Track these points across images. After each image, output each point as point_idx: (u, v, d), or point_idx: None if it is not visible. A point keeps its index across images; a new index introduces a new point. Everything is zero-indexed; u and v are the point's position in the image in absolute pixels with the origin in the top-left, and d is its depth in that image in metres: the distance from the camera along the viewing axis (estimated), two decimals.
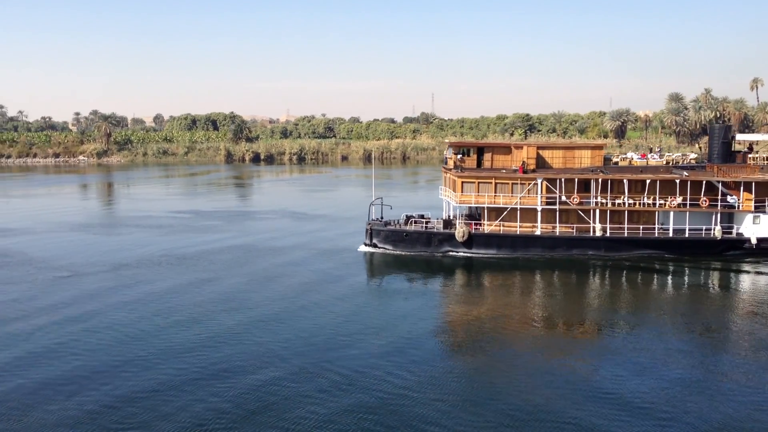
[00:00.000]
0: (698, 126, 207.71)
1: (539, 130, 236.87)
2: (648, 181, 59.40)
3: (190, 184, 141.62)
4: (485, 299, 47.50)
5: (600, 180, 59.55)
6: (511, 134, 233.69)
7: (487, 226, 60.25)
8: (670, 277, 53.98)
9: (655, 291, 50.22)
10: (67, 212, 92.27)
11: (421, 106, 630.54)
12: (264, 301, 46.55)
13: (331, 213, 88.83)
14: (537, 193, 59.49)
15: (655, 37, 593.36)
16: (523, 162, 60.70)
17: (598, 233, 59.36)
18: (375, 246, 61.31)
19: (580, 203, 59.56)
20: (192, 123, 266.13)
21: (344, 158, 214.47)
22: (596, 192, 59.66)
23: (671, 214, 59.40)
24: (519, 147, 62.10)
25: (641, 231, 59.55)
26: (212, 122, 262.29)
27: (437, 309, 45.91)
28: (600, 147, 63.29)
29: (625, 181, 59.36)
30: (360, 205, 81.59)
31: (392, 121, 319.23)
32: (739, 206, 59.55)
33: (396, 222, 62.27)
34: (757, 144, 78.65)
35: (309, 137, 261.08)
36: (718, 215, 59.49)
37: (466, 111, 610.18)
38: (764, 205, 59.08)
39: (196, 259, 59.81)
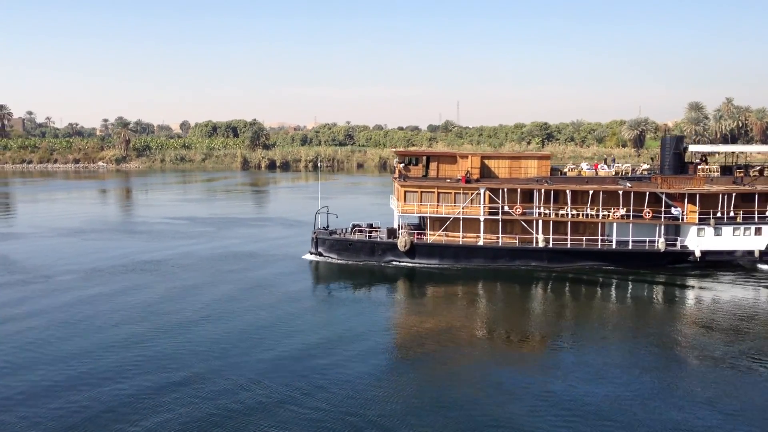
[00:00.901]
0: (719, 135, 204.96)
1: (557, 139, 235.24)
2: (591, 192, 58.99)
3: (195, 190, 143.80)
4: (426, 310, 47.22)
5: (543, 190, 59.29)
6: (528, 143, 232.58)
7: (430, 236, 60.28)
8: (611, 290, 53.17)
9: (596, 303, 49.46)
10: (60, 217, 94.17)
11: (447, 114, 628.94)
12: (190, 306, 47.11)
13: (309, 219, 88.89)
14: (480, 203, 59.37)
15: (681, 45, 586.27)
16: (468, 171, 60.64)
17: (541, 244, 59.12)
18: (320, 255, 61.73)
19: (523, 214, 59.36)
20: (212, 130, 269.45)
21: (360, 166, 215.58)
22: (539, 202, 59.36)
23: (614, 225, 58.89)
24: (464, 156, 62.14)
25: (584, 242, 59.10)
26: (232, 129, 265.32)
27: (376, 320, 44.94)
28: (547, 157, 63.04)
29: (568, 191, 59.04)
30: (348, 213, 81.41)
31: (416, 129, 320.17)
32: (683, 218, 58.82)
33: (343, 231, 62.61)
34: (717, 155, 77.27)
35: (328, 144, 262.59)
36: (662, 227, 58.86)
37: (492, 119, 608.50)
38: (709, 218, 58.25)
39: (149, 265, 60.83)
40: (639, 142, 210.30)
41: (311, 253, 62.45)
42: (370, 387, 32.37)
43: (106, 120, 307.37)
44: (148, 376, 33.74)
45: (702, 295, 51.75)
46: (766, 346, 38.86)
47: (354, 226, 63.01)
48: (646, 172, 64.25)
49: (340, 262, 61.04)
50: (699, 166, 62.05)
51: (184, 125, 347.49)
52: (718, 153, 71.04)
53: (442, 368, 35.21)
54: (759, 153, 78.78)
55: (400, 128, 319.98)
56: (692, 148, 65.07)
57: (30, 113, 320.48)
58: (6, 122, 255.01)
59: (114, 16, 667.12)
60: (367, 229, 61.68)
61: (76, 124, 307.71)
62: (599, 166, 64.04)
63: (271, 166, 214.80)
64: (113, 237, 77.64)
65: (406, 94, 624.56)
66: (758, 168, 62.59)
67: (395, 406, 30.17)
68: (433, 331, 41.74)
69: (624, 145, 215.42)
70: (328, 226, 63.61)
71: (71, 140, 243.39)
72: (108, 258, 64.04)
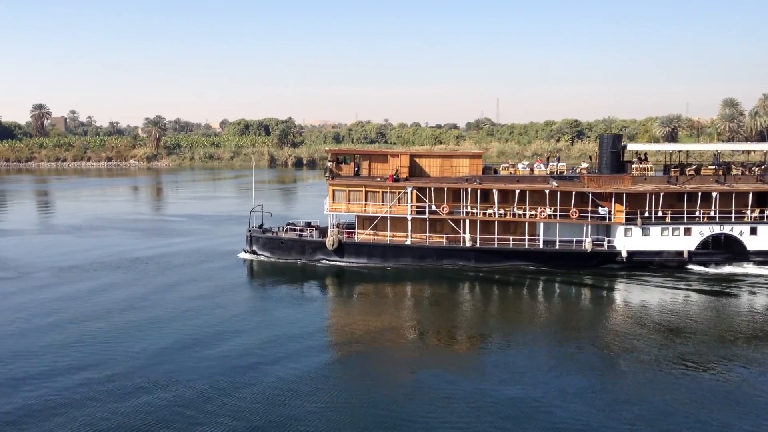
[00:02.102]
0: (754, 132, 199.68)
1: (588, 137, 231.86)
2: (518, 192, 58.59)
3: (209, 187, 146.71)
4: (352, 310, 47.66)
5: (470, 189, 59.10)
6: (557, 140, 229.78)
7: (359, 235, 60.64)
8: (537, 291, 52.52)
9: (520, 305, 48.98)
10: (54, 214, 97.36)
11: (488, 112, 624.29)
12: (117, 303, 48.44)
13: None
14: (407, 202, 59.47)
15: (719, 42, 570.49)
16: (397, 170, 60.81)
17: (468, 244, 58.96)
18: (254, 253, 62.64)
19: (450, 213, 59.27)
20: (245, 128, 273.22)
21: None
22: (466, 202, 59.20)
23: (541, 225, 58.43)
24: (395, 155, 62.23)
25: (511, 242, 58.76)
26: (265, 127, 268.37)
27: (297, 320, 44.69)
28: (478, 156, 62.70)
29: (495, 190, 58.75)
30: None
31: (454, 126, 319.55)
32: (610, 218, 58.01)
33: (276, 229, 63.44)
34: (663, 153, 75.35)
35: (360, 142, 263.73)
36: (589, 227, 58.13)
37: (532, 116, 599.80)
38: (636, 218, 57.35)
39: (134, 262, 62.58)
40: (671, 138, 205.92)
41: (245, 251, 63.33)
42: (291, 386, 32.65)
43: (148, 118, 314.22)
44: (81, 373, 34.50)
45: (624, 297, 51.05)
46: (688, 350, 38.09)
47: (288, 224, 63.65)
48: (585, 171, 63.37)
49: (272, 260, 61.84)
50: (633, 165, 60.91)
51: (224, 123, 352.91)
52: (659, 152, 69.41)
53: (364, 368, 35.27)
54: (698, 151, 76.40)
55: (438, 126, 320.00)
56: (631, 146, 63.99)
57: (73, 112, 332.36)
58: (45, 121, 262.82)
59: (163, 15, 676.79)
60: (298, 228, 62.21)
61: (116, 123, 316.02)
62: (536, 165, 63.33)
63: (299, 163, 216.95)
64: (99, 233, 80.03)
65: (448, 92, 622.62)
66: (694, 167, 61.15)
67: (317, 405, 30.51)
68: (356, 331, 41.92)
69: (656, 142, 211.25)
70: (262, 225, 64.40)
71: (105, 138, 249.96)
72: (79, 254, 66.05)
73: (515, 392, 31.92)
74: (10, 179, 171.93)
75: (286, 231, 62.72)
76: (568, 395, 31.62)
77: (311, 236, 61.59)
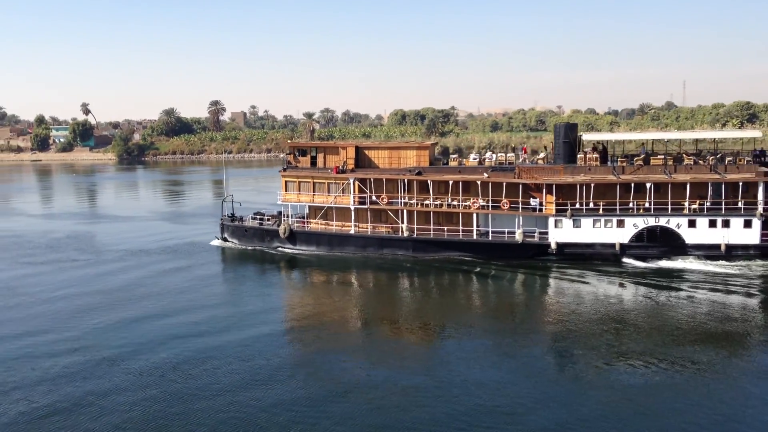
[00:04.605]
0: None
1: (762, 120, 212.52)
2: (451, 182, 58.94)
3: None
4: (296, 296, 51.86)
5: (406, 180, 60.15)
6: (723, 125, 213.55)
7: (310, 224, 63.47)
8: (471, 282, 53.41)
9: (453, 296, 50.35)
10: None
11: (677, 96, 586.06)
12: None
13: None
14: (350, 193, 61.50)
15: None
16: (345, 162, 62.86)
17: (406, 234, 60.13)
18: (225, 240, 67.19)
19: (390, 203, 60.64)
20: (402, 118, 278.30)
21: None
22: (404, 192, 60.31)
23: (475, 216, 58.51)
24: (344, 147, 64.19)
25: (446, 233, 59.30)
26: (421, 117, 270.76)
27: (247, 304, 48.00)
28: (425, 147, 63.20)
29: (430, 182, 59.45)
30: None
31: (614, 113, 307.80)
32: (542, 209, 57.03)
33: (244, 218, 67.57)
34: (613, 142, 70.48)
35: (519, 131, 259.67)
36: (520, 218, 57.46)
37: (725, 97, 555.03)
38: (566, 209, 56.04)
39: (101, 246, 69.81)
40: None
41: (217, 239, 67.92)
42: (236, 374, 34.50)
43: (325, 110, 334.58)
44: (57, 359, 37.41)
45: (549, 290, 50.76)
46: (614, 339, 38.55)
47: (255, 213, 67.50)
48: (541, 162, 62.25)
49: (240, 247, 66.00)
50: (578, 155, 59.21)
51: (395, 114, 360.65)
52: (610, 141, 65.80)
53: (304, 358, 37.39)
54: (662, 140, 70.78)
55: (592, 111, 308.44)
56: (586, 136, 61.82)
57: (253, 107, 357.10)
58: (220, 116, 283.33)
59: (347, 12, 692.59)
60: (258, 218, 65.93)
61: (290, 116, 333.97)
62: (487, 156, 63.02)
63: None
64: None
65: (630, 75, 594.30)
66: (642, 157, 58.31)
67: (263, 392, 32.20)
68: (295, 317, 45.38)
69: None
70: (233, 214, 68.61)
71: (267, 132, 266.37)
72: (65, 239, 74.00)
73: (445, 376, 33.35)
74: (182, 170, 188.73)
75: (249, 220, 66.46)
76: (498, 382, 32.72)
77: (271, 225, 64.89)
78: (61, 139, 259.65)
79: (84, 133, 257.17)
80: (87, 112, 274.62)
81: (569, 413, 29.20)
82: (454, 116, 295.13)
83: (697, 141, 70.99)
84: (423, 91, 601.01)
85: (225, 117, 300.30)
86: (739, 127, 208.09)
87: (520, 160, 64.94)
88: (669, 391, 31.11)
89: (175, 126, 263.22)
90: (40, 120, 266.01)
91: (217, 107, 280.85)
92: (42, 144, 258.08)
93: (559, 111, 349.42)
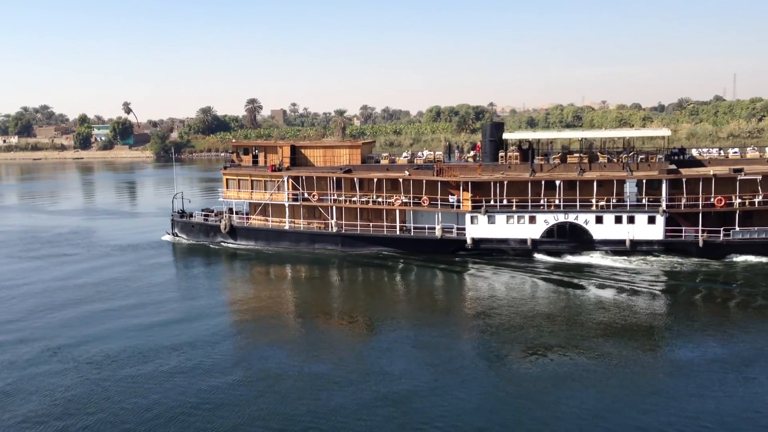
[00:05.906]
0: None
1: None
2: (375, 180, 60.59)
3: None
4: (232, 287, 54.29)
5: (335, 178, 62.01)
6: (760, 120, 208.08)
7: (250, 220, 65.84)
8: (395, 276, 55.18)
9: (379, 288, 52.35)
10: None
11: (728, 89, 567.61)
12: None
13: None
14: (285, 190, 63.65)
15: None
16: (281, 160, 65.02)
17: (334, 229, 62.02)
18: (175, 235, 70.01)
19: (320, 200, 62.59)
20: (436, 115, 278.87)
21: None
22: (333, 190, 62.19)
23: (397, 212, 60.06)
24: (281, 146, 66.31)
25: (371, 228, 60.99)
26: (456, 113, 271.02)
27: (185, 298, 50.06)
28: (357, 146, 64.91)
29: (356, 179, 61.21)
30: None
31: (661, 108, 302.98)
32: (459, 206, 58.31)
33: (191, 215, 70.22)
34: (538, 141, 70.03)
35: (557, 127, 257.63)
36: (439, 215, 58.81)
37: None
38: (481, 206, 57.20)
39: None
40: None
41: (168, 234, 70.78)
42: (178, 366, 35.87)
43: (364, 107, 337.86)
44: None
45: (466, 282, 52.29)
46: (523, 332, 39.70)
47: (203, 209, 70.13)
48: (471, 160, 63.48)
49: (188, 242, 68.73)
50: (500, 153, 60.25)
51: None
52: (529, 140, 66.08)
53: (237, 350, 38.62)
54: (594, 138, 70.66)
55: (622, 106, 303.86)
56: (505, 135, 62.69)
57: (293, 105, 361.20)
58: (257, 114, 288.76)
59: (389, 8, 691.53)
60: (204, 213, 68.51)
61: (329, 113, 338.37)
62: (424, 153, 64.38)
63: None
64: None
65: (681, 69, 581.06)
66: (559, 155, 59.05)
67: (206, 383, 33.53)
68: (227, 311, 47.47)
69: None
70: (183, 210, 71.33)
71: (299, 129, 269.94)
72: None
73: (355, 366, 34.85)
74: (213, 167, 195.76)
75: (195, 216, 69.11)
76: (402, 371, 34.09)
77: (214, 221, 67.42)
78: (102, 138, 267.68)
79: (124, 132, 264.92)
80: (128, 110, 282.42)
81: (458, 402, 30.39)
82: (491, 113, 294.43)
83: (607, 140, 71.29)
84: (471, 87, 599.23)
85: (264, 114, 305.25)
86: None
87: (455, 158, 65.84)
88: (571, 381, 32.32)
89: (212, 124, 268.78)
90: (83, 119, 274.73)
91: (254, 105, 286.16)
92: (84, 142, 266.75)
93: (603, 106, 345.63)
